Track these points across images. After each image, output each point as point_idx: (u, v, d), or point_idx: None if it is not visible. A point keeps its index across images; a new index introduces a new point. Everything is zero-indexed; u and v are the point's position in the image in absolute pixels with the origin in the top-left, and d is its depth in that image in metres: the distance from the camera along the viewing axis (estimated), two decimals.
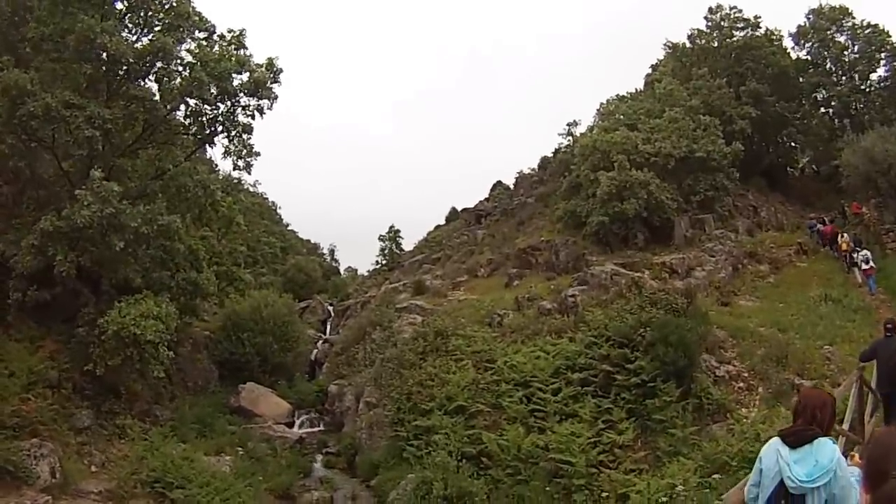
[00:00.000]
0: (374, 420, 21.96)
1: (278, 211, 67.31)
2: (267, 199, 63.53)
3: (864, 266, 26.23)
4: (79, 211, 17.17)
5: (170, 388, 23.52)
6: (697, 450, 14.77)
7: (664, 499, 12.62)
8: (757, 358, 19.50)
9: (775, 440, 4.93)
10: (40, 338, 18.94)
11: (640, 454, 16.21)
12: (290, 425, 26.25)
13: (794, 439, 4.79)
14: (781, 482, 4.75)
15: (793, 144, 46.66)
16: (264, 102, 22.86)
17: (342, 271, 72.20)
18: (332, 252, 76.30)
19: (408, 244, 54.48)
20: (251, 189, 56.44)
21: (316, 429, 26.48)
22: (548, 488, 15.52)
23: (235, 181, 29.26)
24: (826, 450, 4.66)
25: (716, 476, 12.67)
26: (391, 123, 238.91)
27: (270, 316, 29.83)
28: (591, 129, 41.34)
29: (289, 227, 68.30)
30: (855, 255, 27.72)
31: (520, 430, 17.72)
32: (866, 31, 42.49)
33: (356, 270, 68.38)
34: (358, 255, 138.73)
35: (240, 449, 21.16)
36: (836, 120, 45.44)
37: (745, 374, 19.12)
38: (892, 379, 11.27)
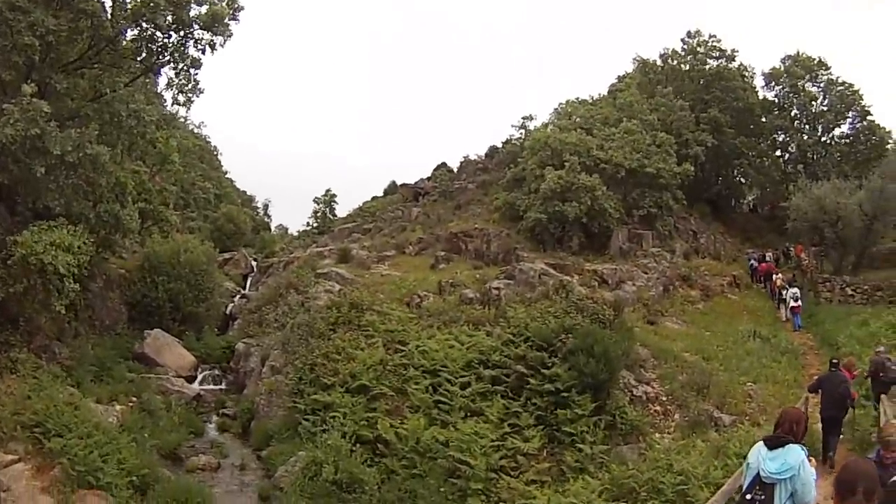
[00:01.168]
0: (275, 386, 21.00)
1: (218, 157, 65.67)
2: (209, 142, 62.08)
3: (792, 303, 27.17)
4: (2, 129, 15.88)
5: (74, 325, 22.28)
6: (605, 470, 14.42)
7: None
8: (677, 383, 19.47)
9: (759, 443, 6.55)
10: None
11: (544, 465, 15.74)
12: (192, 380, 25.08)
13: (772, 443, 6.36)
14: (758, 473, 6.28)
15: (742, 180, 47.59)
16: (218, 39, 21.66)
17: (273, 228, 70.72)
18: (265, 207, 75.52)
19: (343, 211, 53.96)
20: (195, 130, 54.96)
21: (217, 387, 25.33)
22: (443, 488, 14.86)
23: (179, 118, 28.17)
24: (794, 453, 6.19)
25: (621, 503, 12.33)
26: (351, 93, 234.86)
27: (188, 262, 28.51)
28: (545, 125, 41.27)
29: (227, 175, 66.50)
30: (784, 293, 28.50)
31: (421, 420, 17.15)
32: (839, 87, 43.53)
33: (287, 229, 67.51)
34: (292, 215, 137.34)
35: (134, 399, 20.09)
36: (791, 165, 46.45)
37: (664, 398, 19.03)
38: (837, 405, 13.72)
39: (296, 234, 57.17)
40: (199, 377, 25.60)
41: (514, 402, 17.74)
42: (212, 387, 25.25)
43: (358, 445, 16.39)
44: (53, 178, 17.76)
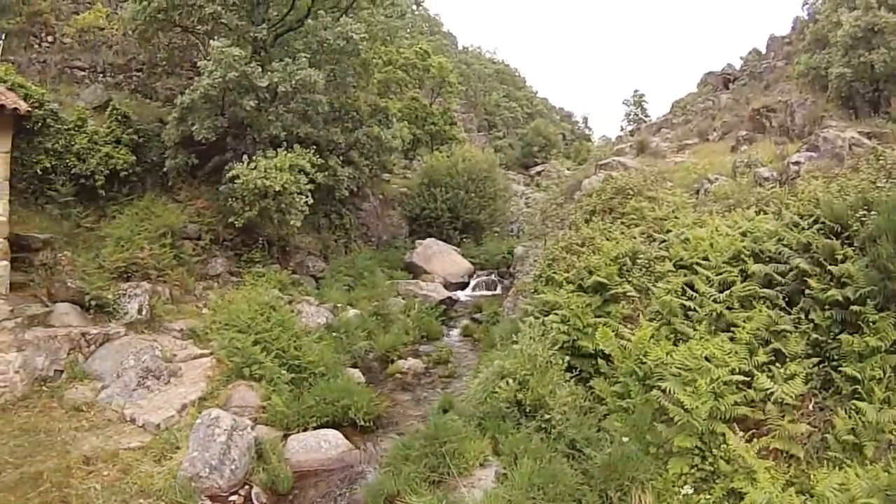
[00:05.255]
0: (524, 287, 15.84)
1: (521, 78, 59.94)
2: (508, 66, 57.59)
3: None
4: (203, 81, 15.86)
5: (342, 242, 20.79)
6: (892, 457, 6.39)
7: None
8: None
9: None
10: (195, 198, 17.66)
11: (800, 427, 7.65)
12: (464, 286, 21.57)
13: None
14: None
15: None
16: None
17: (596, 139, 63.28)
18: (585, 119, 69.70)
19: (659, 110, 45.11)
20: (491, 57, 50.87)
21: (491, 292, 21.31)
22: (645, 436, 8.15)
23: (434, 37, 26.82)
24: None
25: None
26: None
27: (465, 170, 24.72)
28: None
29: (537, 94, 60.55)
30: None
31: (657, 330, 10.01)
32: None
33: (610, 139, 59.22)
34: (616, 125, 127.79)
35: (376, 303, 17.04)
36: None
37: None
38: None
39: (614, 140, 50.09)
40: (472, 283, 21.86)
41: (785, 315, 9.24)
42: (484, 292, 21.31)
43: (566, 359, 10.15)
44: (272, 110, 17.31)
